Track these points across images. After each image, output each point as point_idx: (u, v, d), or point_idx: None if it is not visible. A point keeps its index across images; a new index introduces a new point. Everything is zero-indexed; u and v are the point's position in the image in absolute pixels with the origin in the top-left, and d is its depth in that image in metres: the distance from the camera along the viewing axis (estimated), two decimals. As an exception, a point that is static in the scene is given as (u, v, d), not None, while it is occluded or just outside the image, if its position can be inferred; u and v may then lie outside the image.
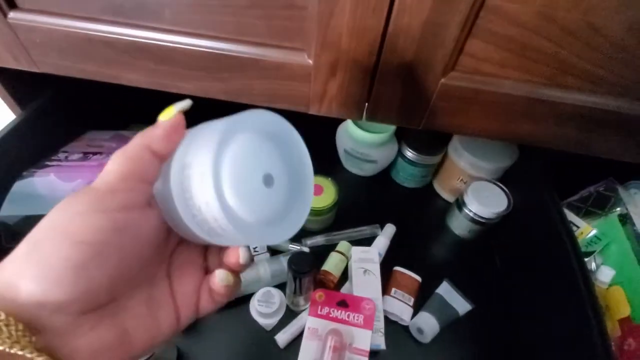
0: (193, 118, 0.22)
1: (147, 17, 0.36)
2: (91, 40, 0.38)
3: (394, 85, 0.36)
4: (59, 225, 0.18)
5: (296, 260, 0.42)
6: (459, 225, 0.59)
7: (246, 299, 0.50)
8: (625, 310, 0.37)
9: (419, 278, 0.52)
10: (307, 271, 0.41)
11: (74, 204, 0.19)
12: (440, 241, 0.60)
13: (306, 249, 0.55)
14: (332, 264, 0.52)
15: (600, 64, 0.32)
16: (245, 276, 0.49)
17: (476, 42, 0.32)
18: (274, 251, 0.54)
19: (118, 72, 0.41)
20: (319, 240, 0.56)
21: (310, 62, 0.35)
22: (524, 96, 0.35)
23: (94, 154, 0.49)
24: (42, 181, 0.44)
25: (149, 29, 0.37)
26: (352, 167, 0.66)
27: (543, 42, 0.31)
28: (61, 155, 0.49)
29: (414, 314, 0.49)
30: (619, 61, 0.32)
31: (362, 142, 0.59)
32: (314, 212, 0.54)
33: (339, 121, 0.67)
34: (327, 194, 0.55)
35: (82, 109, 0.60)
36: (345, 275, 0.53)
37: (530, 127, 0.38)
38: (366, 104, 0.38)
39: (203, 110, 0.27)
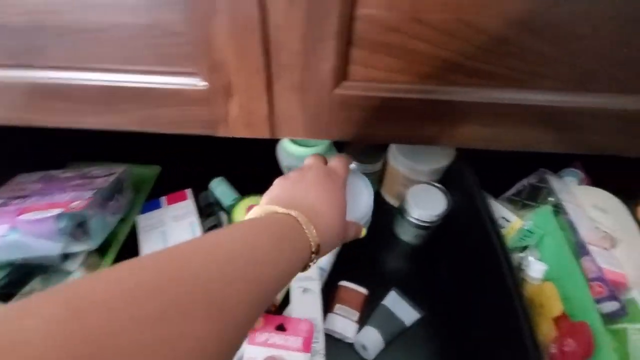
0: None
1: (39, 57, 0.35)
2: (-13, 85, 0.37)
3: (291, 101, 0.36)
4: None
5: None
6: (404, 231, 0.58)
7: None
8: (557, 308, 0.36)
9: (365, 291, 0.51)
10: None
11: None
12: (389, 249, 0.59)
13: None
14: (273, 286, 0.50)
15: (485, 60, 0.32)
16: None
17: (359, 51, 0.32)
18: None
19: (23, 115, 0.40)
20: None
21: (205, 85, 0.35)
22: (420, 99, 0.35)
23: (17, 198, 0.48)
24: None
25: (44, 69, 0.36)
26: (298, 183, 0.65)
27: (421, 45, 0.31)
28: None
29: (360, 329, 0.48)
30: (503, 54, 0.32)
31: (300, 157, 0.58)
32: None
33: (274, 141, 0.66)
34: (265, 214, 0.54)
35: (11, 153, 0.59)
36: (288, 298, 0.51)
37: (435, 129, 0.37)
38: (270, 120, 0.38)
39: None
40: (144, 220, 0.57)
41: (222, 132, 0.40)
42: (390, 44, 0.31)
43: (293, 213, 0.31)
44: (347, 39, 0.31)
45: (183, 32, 0.31)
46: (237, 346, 0.21)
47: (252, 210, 0.33)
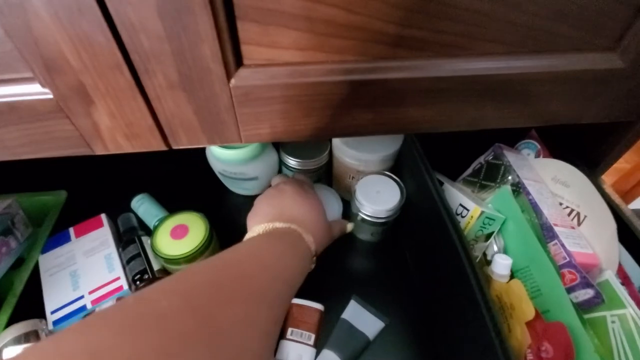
0: None
1: None
2: None
3: (176, 101, 0.27)
4: None
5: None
6: (360, 230, 0.52)
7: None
8: (529, 312, 0.30)
9: (320, 307, 0.45)
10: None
11: None
12: (345, 251, 0.53)
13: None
14: (212, 319, 0.42)
15: (412, 24, 0.25)
16: None
17: (248, 25, 0.24)
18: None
19: None
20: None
21: (49, 91, 0.26)
22: (340, 81, 0.27)
23: None
24: None
25: None
26: (235, 187, 0.57)
27: (328, 10, 0.24)
28: None
29: (318, 353, 0.41)
30: (431, 15, 0.25)
31: (231, 160, 0.50)
32: (184, 259, 0.44)
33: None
34: (194, 233, 0.45)
35: None
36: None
37: (367, 115, 0.31)
38: (159, 128, 0.29)
39: None
40: (47, 261, 0.47)
41: (99, 150, 0.31)
42: (289, 13, 0.23)
43: (292, 226, 0.35)
44: (225, 9, 0.23)
45: (-12, 20, 0.22)
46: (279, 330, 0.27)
47: (252, 230, 0.36)
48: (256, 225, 0.35)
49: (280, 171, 0.57)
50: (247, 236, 0.36)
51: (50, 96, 0.26)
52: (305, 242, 0.35)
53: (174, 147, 0.31)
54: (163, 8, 0.22)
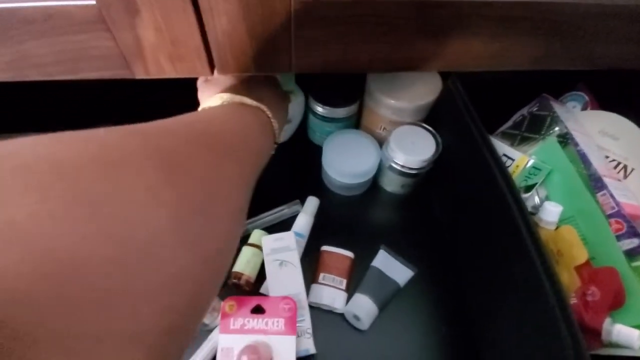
0: None
1: None
2: None
3: (230, 17, 0.25)
4: None
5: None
6: (389, 181, 0.50)
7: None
8: (581, 255, 0.30)
9: (350, 254, 0.45)
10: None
11: None
12: (374, 203, 0.52)
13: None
14: (243, 262, 0.42)
15: None
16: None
17: None
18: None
19: None
20: (228, 234, 0.46)
21: (92, -2, 0.23)
22: (410, 1, 0.25)
23: None
24: None
25: None
26: (262, 137, 0.55)
27: None
28: None
29: (350, 298, 0.42)
30: None
31: None
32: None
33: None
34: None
35: None
36: (263, 273, 0.44)
37: (431, 47, 0.28)
38: (206, 49, 0.27)
39: None
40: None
41: (140, 72, 0.28)
42: None
43: (262, 106, 0.32)
44: None
45: None
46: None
47: (212, 98, 0.31)
48: (220, 94, 0.31)
49: (306, 118, 0.55)
50: (206, 104, 0.31)
51: (93, 2, 0.23)
52: (272, 128, 0.33)
53: (219, 73, 0.29)
54: None
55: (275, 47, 0.27)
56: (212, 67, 0.29)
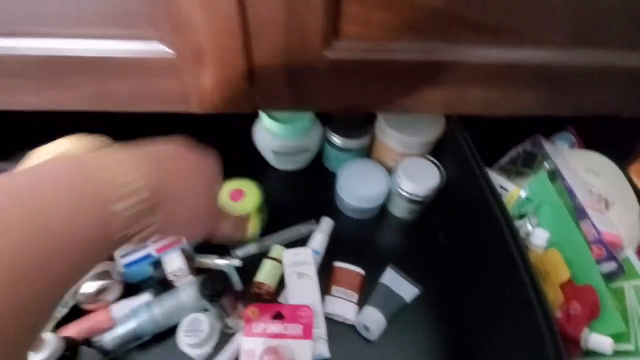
0: None
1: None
2: None
3: (274, 66, 0.31)
4: None
5: (207, 284, 0.37)
6: (397, 207, 0.56)
7: (172, 331, 0.44)
8: (564, 274, 0.35)
9: (361, 271, 0.49)
10: (220, 292, 0.36)
11: None
12: (383, 227, 0.57)
13: (238, 262, 0.50)
14: (265, 273, 0.47)
15: (490, 11, 0.29)
16: (166, 306, 0.43)
17: (351, 5, 0.28)
18: (200, 270, 0.48)
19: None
20: (250, 249, 0.51)
21: (170, 52, 0.30)
22: (420, 60, 0.31)
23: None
24: None
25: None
26: (285, 164, 0.61)
27: (421, -5, 0.27)
28: None
29: (360, 310, 0.46)
30: (508, 5, 0.28)
31: (289, 135, 0.54)
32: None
33: (251, 119, 0.62)
34: (249, 198, 0.50)
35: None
36: (283, 284, 0.48)
37: (437, 94, 0.34)
38: (251, 92, 0.33)
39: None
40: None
41: (196, 108, 0.35)
42: (386, -3, 0.27)
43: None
44: (337, -10, 0.27)
45: (139, -16, 0.26)
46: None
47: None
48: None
49: (323, 147, 0.61)
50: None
51: (170, 55, 0.30)
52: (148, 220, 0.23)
53: (261, 110, 0.35)
54: (288, -16, 0.25)
55: (308, 90, 0.33)
56: (255, 106, 0.35)
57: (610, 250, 0.37)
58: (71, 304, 0.43)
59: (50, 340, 0.34)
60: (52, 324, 0.41)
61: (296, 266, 0.46)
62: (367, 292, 0.48)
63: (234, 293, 0.40)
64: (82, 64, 0.30)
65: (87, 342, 0.40)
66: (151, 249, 0.48)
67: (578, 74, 0.33)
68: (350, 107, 0.35)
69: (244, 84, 0.32)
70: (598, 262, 0.37)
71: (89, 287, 0.43)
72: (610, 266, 0.37)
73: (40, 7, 0.27)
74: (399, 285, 0.48)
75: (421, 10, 0.28)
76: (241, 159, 0.67)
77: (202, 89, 0.33)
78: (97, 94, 0.33)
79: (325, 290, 0.47)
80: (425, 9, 0.28)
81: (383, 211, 0.58)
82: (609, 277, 0.37)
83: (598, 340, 0.30)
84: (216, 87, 0.33)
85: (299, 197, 0.60)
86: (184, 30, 0.28)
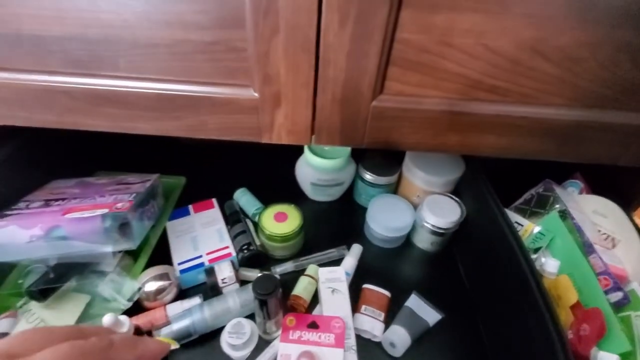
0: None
1: (104, 67, 0.39)
2: (49, 91, 0.41)
3: (332, 111, 0.40)
4: None
5: (260, 283, 0.43)
6: (421, 239, 0.61)
7: (216, 332, 0.49)
8: (573, 297, 0.39)
9: (388, 293, 0.54)
10: (271, 292, 0.42)
11: None
12: (407, 256, 0.62)
13: (276, 277, 0.56)
14: (301, 288, 0.53)
15: (502, 78, 0.38)
16: (215, 309, 0.49)
17: (395, 68, 0.37)
18: (243, 281, 0.54)
19: (78, 119, 0.44)
20: (288, 267, 0.57)
21: (256, 95, 0.39)
22: (445, 110, 0.40)
23: (56, 200, 0.50)
24: (1, 232, 0.44)
25: (106, 77, 0.40)
26: (319, 195, 0.69)
27: (448, 64, 0.36)
28: (22, 205, 0.49)
29: (386, 329, 0.50)
30: (517, 74, 0.37)
31: (328, 169, 0.62)
32: (281, 239, 0.56)
33: (293, 155, 0.71)
34: (291, 220, 0.57)
35: (46, 159, 0.62)
36: (316, 299, 0.53)
37: (457, 138, 0.42)
38: (311, 129, 0.42)
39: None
40: (173, 227, 0.59)
41: (265, 139, 0.44)
42: (422, 63, 0.37)
43: None
44: (386, 58, 0.36)
45: (245, 48, 0.36)
46: None
47: None
48: None
49: (354, 183, 0.68)
50: None
51: (256, 98, 0.40)
52: None
53: (315, 143, 0.44)
54: (352, 53, 0.35)
55: (356, 130, 0.42)
56: (308, 140, 0.44)
57: (616, 281, 0.41)
58: (135, 298, 0.49)
59: (125, 322, 0.41)
60: (118, 313, 0.47)
61: (330, 282, 0.51)
62: (392, 313, 0.52)
63: (280, 299, 0.46)
64: (189, 102, 0.40)
65: (149, 333, 0.46)
66: (204, 259, 0.55)
67: (575, 127, 0.41)
68: (387, 145, 0.44)
69: (308, 123, 0.42)
70: (606, 291, 0.42)
71: (150, 285, 0.50)
72: (617, 295, 0.41)
73: (169, 63, 0.38)
74: (423, 309, 0.52)
75: (446, 74, 0.37)
76: (280, 189, 0.76)
77: (273, 125, 0.42)
78: (195, 124, 0.43)
79: (354, 308, 0.52)
80: (449, 74, 0.37)
81: (407, 243, 0.64)
82: (617, 306, 0.41)
83: (606, 358, 0.34)
84: (284, 124, 0.42)
85: (330, 225, 0.66)
86: (270, 81, 0.38)
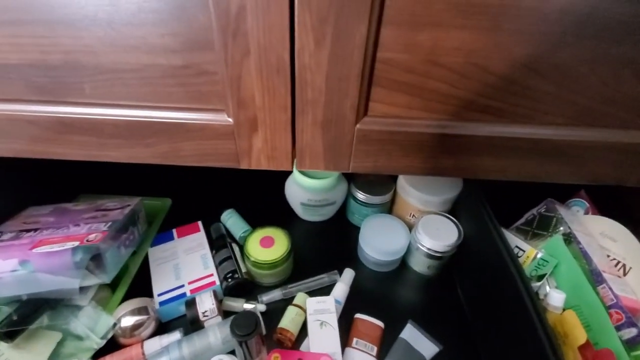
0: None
1: (70, 93, 0.37)
2: (14, 120, 0.38)
3: (314, 134, 0.37)
4: None
5: (239, 322, 0.40)
6: (417, 262, 0.58)
7: (197, 371, 0.46)
8: (581, 336, 0.36)
9: (381, 324, 0.50)
10: (251, 332, 0.39)
11: None
12: (403, 280, 0.59)
13: (263, 307, 0.52)
14: (288, 320, 0.49)
15: (495, 98, 0.35)
16: (195, 345, 0.46)
17: (379, 89, 0.34)
18: (227, 312, 0.51)
19: (47, 148, 0.41)
20: (275, 295, 0.54)
21: (231, 120, 0.37)
22: (436, 133, 0.37)
23: (28, 231, 0.48)
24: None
25: (72, 105, 0.37)
26: (311, 216, 0.66)
27: (437, 84, 0.34)
28: (-9, 237, 0.47)
29: (379, 365, 0.46)
30: (511, 93, 0.34)
31: (318, 189, 0.59)
32: (267, 266, 0.52)
33: (285, 174, 0.68)
34: (278, 245, 0.54)
35: (21, 186, 0.59)
36: (305, 330, 0.50)
37: (451, 161, 0.39)
38: (292, 153, 0.39)
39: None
40: (155, 253, 0.56)
41: (244, 165, 0.41)
42: (409, 84, 0.34)
43: None
44: (368, 79, 0.33)
45: (216, 72, 0.34)
46: None
47: None
48: None
49: (347, 202, 0.65)
50: None
51: (231, 123, 0.37)
52: None
53: (298, 168, 0.41)
54: (330, 75, 0.33)
55: (340, 154, 0.39)
56: (290, 165, 0.41)
57: (629, 316, 0.38)
58: (109, 336, 0.46)
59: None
60: (90, 354, 0.44)
61: (319, 314, 0.48)
62: (386, 345, 0.49)
63: (261, 336, 0.42)
64: (161, 128, 0.38)
65: (122, 374, 0.43)
66: (186, 289, 0.51)
67: (577, 148, 0.38)
68: (376, 169, 0.41)
69: (288, 147, 0.39)
70: (618, 327, 0.38)
71: (126, 321, 0.47)
72: (631, 332, 0.37)
73: (137, 88, 0.35)
74: (419, 341, 0.49)
75: (435, 95, 0.34)
76: (271, 210, 0.73)
77: (251, 150, 0.39)
78: (168, 150, 0.40)
79: (345, 341, 0.49)
80: (438, 95, 0.34)
81: (403, 265, 0.60)
82: (630, 343, 0.37)
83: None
84: (263, 149, 0.39)
85: (322, 247, 0.63)
86: (245, 105, 0.35)
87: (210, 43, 0.32)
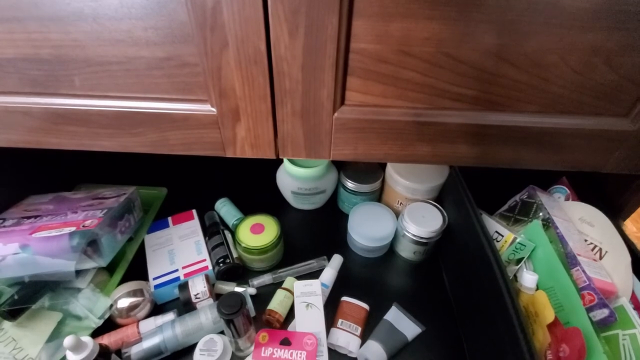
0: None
1: (61, 86, 0.38)
2: (9, 111, 0.40)
3: (294, 124, 0.39)
4: None
5: (225, 302, 0.42)
6: (404, 248, 0.59)
7: (190, 349, 0.48)
8: (549, 315, 0.37)
9: (366, 306, 0.52)
10: (236, 311, 0.41)
11: None
12: (390, 266, 0.60)
13: (253, 290, 0.55)
14: (276, 302, 0.52)
15: (468, 86, 0.36)
16: (187, 325, 0.48)
17: (354, 79, 0.35)
18: (218, 295, 0.54)
19: (41, 138, 0.43)
20: (265, 279, 0.56)
21: (214, 110, 0.38)
22: (411, 121, 0.38)
23: (29, 217, 0.50)
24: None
25: (64, 96, 0.39)
26: (302, 204, 0.68)
27: (410, 73, 0.35)
28: (-6, 223, 0.49)
29: (362, 344, 0.48)
30: (483, 81, 0.35)
31: (307, 178, 0.61)
32: (257, 251, 0.54)
33: (277, 163, 0.70)
34: (268, 232, 0.56)
35: (22, 175, 0.62)
36: (292, 313, 0.52)
37: (428, 148, 0.40)
38: (275, 142, 0.41)
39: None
40: (151, 240, 0.59)
41: (230, 153, 0.42)
42: (382, 73, 0.35)
43: None
44: (343, 69, 0.35)
45: (197, 63, 0.35)
46: None
47: None
48: None
49: (337, 190, 0.67)
50: None
51: (214, 113, 0.38)
52: None
53: (281, 157, 0.43)
54: (306, 65, 0.34)
55: (320, 142, 0.41)
56: (276, 152, 0.43)
57: (601, 297, 0.39)
58: (106, 316, 0.48)
59: (89, 344, 0.40)
60: (88, 332, 0.47)
61: (305, 296, 0.50)
62: (370, 327, 0.51)
63: (248, 316, 0.45)
64: (148, 118, 0.39)
65: (118, 352, 0.46)
66: (180, 273, 0.54)
67: (552, 135, 0.39)
68: (356, 157, 0.42)
69: (270, 136, 0.40)
70: (590, 308, 0.39)
71: (123, 302, 0.50)
72: (602, 313, 0.39)
73: (124, 80, 0.37)
74: (402, 322, 0.51)
75: (409, 84, 0.35)
76: (264, 198, 0.75)
77: (235, 139, 0.41)
78: (156, 140, 0.42)
79: (331, 322, 0.51)
80: (412, 84, 0.35)
81: (391, 252, 0.62)
82: (602, 324, 0.38)
83: None
84: (247, 138, 0.41)
85: (313, 234, 0.65)
86: (226, 95, 0.37)
87: (189, 36, 0.33)
